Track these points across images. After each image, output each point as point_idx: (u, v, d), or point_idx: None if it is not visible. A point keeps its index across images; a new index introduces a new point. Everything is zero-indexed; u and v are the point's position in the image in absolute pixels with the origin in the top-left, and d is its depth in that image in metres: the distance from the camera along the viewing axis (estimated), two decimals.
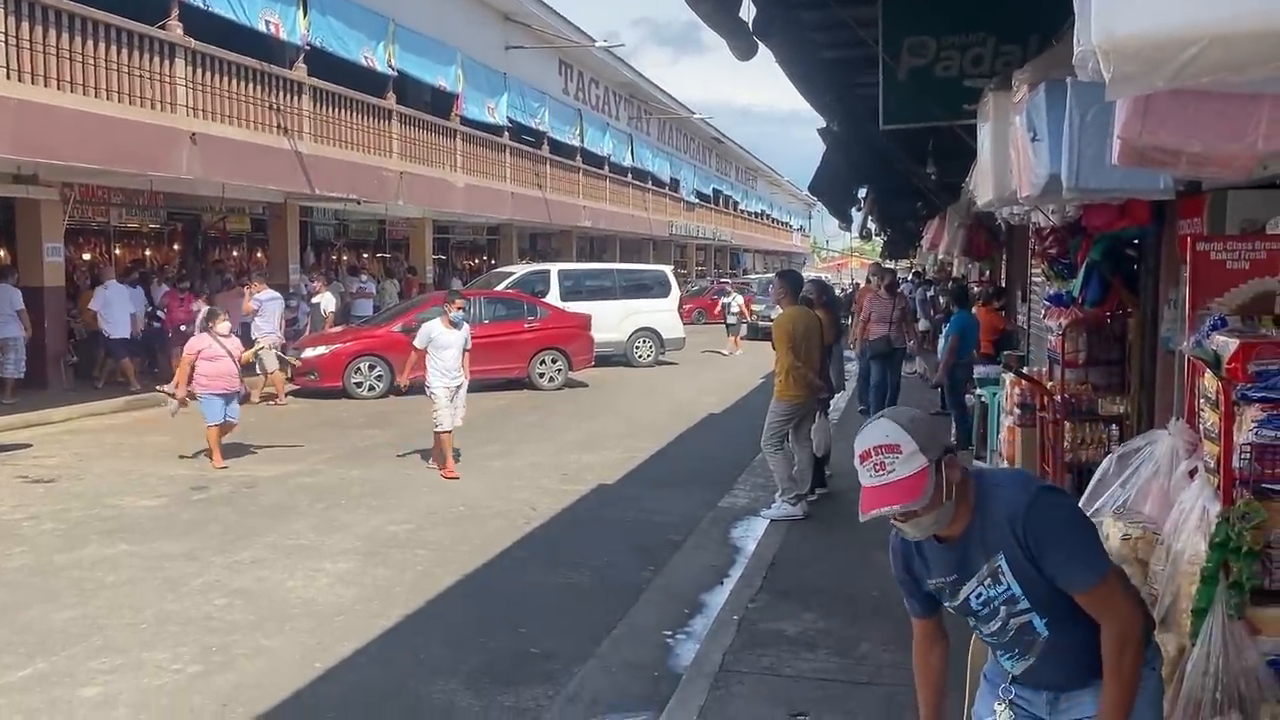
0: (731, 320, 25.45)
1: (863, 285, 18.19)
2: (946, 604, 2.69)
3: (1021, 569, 2.47)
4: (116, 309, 14.95)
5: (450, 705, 4.89)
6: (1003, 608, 2.54)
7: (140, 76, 13.49)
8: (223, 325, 10.45)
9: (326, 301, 18.41)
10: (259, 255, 22.19)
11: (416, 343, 9.96)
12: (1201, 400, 3.21)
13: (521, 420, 13.72)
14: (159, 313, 16.36)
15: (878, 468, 2.42)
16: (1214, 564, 2.90)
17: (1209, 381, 3.10)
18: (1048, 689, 2.63)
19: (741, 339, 25.43)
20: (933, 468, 2.42)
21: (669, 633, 5.88)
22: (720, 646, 5.34)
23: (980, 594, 2.57)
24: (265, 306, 14.92)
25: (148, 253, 20.18)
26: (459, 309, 10.03)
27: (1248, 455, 2.93)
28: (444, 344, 9.76)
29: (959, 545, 2.55)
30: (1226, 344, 3.03)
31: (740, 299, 26.37)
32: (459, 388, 9.95)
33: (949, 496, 2.46)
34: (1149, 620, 2.65)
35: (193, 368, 10.08)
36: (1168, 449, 3.41)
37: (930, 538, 2.57)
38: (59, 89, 12.23)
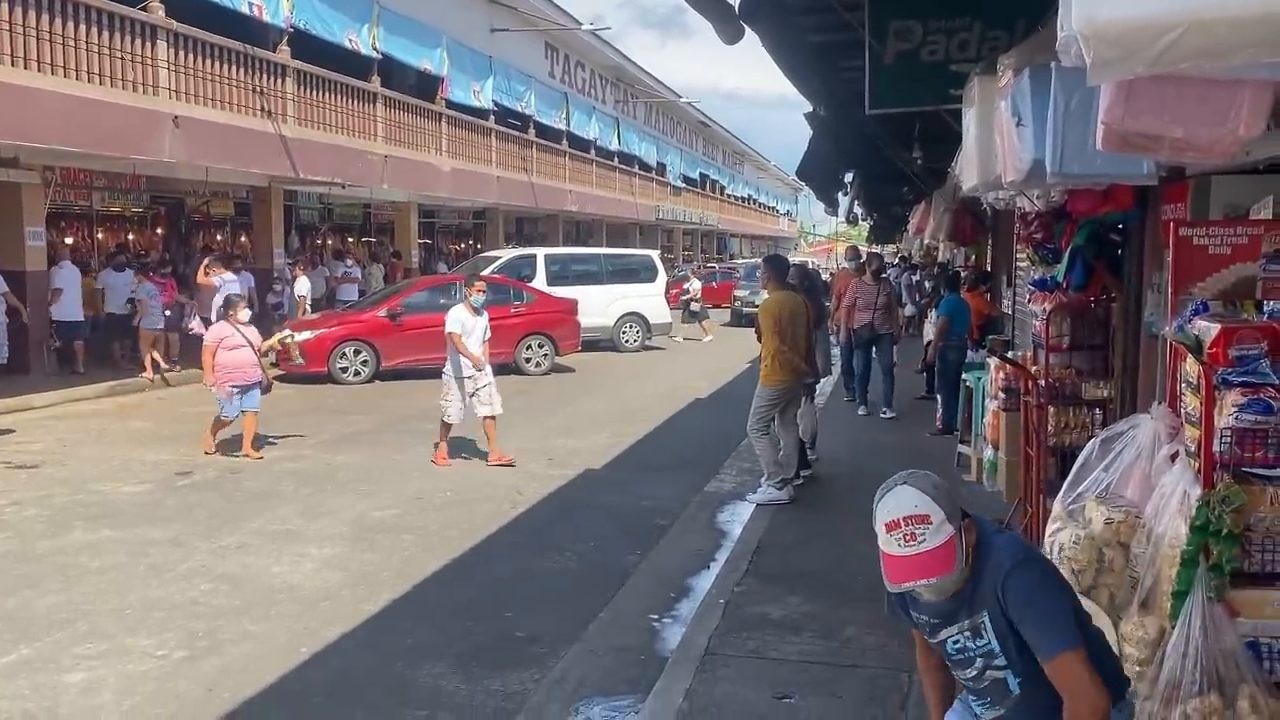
0: (695, 308, 24.45)
1: (842, 270, 17.85)
2: (927, 638, 2.75)
3: (1001, 629, 2.52)
4: (69, 290, 14.84)
5: (437, 689, 4.90)
6: (979, 659, 2.59)
7: (122, 59, 13.38)
8: (243, 313, 10.14)
9: (300, 286, 18.29)
10: (244, 239, 22.09)
11: (451, 328, 9.52)
12: (1183, 385, 3.23)
13: (508, 405, 13.59)
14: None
15: (908, 538, 2.43)
16: (1194, 547, 2.93)
17: (1190, 366, 3.12)
18: None
19: (704, 323, 24.34)
20: (959, 536, 2.46)
21: (655, 617, 5.90)
22: (706, 630, 5.37)
23: (958, 641, 2.62)
24: (225, 288, 14.74)
25: (130, 237, 20.03)
26: (480, 292, 9.77)
27: (1228, 439, 2.95)
28: (468, 330, 9.54)
29: (952, 596, 2.59)
30: (1208, 329, 3.05)
31: (698, 284, 25.38)
32: (486, 384, 9.66)
33: (967, 561, 2.50)
34: (1122, 681, 2.69)
35: (214, 357, 9.81)
36: (1150, 433, 3.44)
37: None
38: (39, 71, 12.13)
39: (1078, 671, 2.42)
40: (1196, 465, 3.04)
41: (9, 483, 8.92)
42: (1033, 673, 2.53)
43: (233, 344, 9.83)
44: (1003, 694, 2.62)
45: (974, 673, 2.63)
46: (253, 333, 10.15)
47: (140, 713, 4.62)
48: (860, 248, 18.55)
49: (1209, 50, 1.93)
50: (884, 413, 11.96)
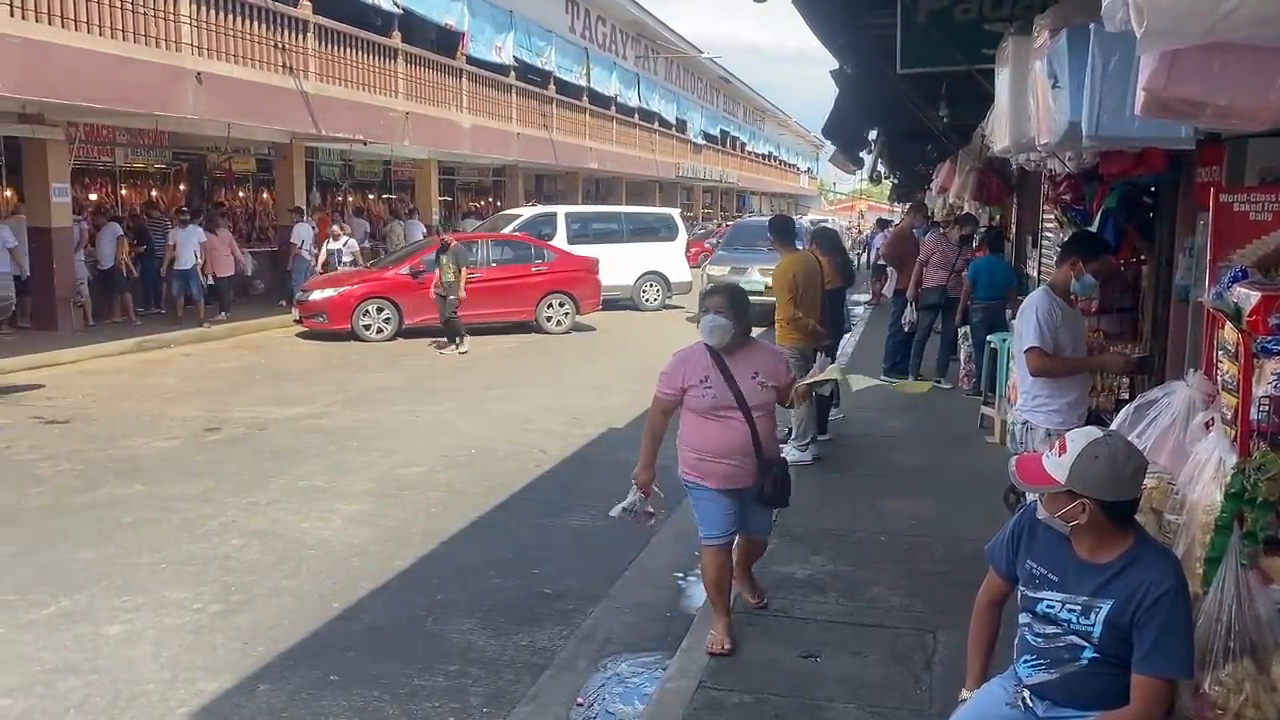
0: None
1: (903, 225, 16.08)
2: (1020, 588, 2.85)
3: (1117, 622, 2.61)
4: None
5: (468, 644, 4.98)
6: (1072, 636, 2.69)
7: (145, 14, 13.36)
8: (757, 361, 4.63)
9: (348, 246, 18.55)
10: (265, 196, 22.12)
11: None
12: (1220, 352, 3.21)
13: (529, 364, 13.76)
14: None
15: (1047, 449, 2.76)
16: (1228, 514, 2.93)
17: (1228, 333, 3.10)
18: (1052, 702, 2.76)
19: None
20: (1066, 490, 2.63)
21: (680, 575, 5.96)
22: (732, 589, 5.40)
23: (1054, 607, 2.71)
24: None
25: (154, 194, 20.07)
26: None
27: (1266, 407, 2.94)
28: None
29: (1086, 566, 2.69)
30: (1248, 296, 3.02)
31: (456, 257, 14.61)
32: None
33: (1066, 520, 2.66)
34: None
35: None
36: (1184, 400, 3.43)
37: (1073, 547, 2.73)
38: (63, 27, 12.13)
39: (1165, 697, 2.59)
40: (1232, 433, 3.03)
41: (42, 437, 9.04)
42: (1109, 656, 2.62)
43: (710, 404, 4.56)
44: (1068, 662, 2.69)
45: (1053, 631, 2.72)
46: (768, 376, 4.62)
47: (178, 664, 4.72)
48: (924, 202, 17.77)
49: (1271, 17, 1.90)
50: (938, 382, 10.87)
